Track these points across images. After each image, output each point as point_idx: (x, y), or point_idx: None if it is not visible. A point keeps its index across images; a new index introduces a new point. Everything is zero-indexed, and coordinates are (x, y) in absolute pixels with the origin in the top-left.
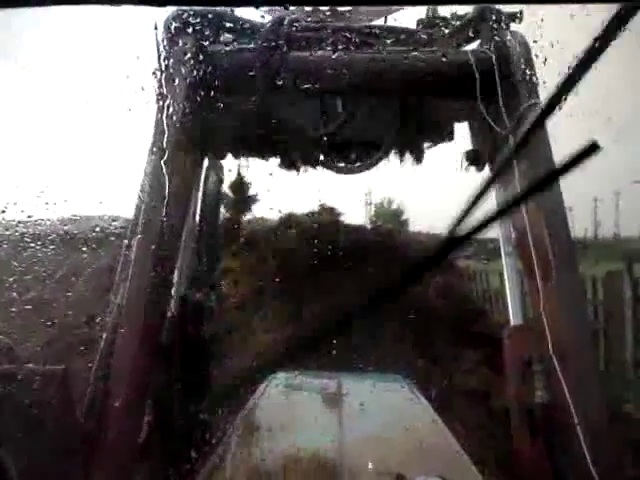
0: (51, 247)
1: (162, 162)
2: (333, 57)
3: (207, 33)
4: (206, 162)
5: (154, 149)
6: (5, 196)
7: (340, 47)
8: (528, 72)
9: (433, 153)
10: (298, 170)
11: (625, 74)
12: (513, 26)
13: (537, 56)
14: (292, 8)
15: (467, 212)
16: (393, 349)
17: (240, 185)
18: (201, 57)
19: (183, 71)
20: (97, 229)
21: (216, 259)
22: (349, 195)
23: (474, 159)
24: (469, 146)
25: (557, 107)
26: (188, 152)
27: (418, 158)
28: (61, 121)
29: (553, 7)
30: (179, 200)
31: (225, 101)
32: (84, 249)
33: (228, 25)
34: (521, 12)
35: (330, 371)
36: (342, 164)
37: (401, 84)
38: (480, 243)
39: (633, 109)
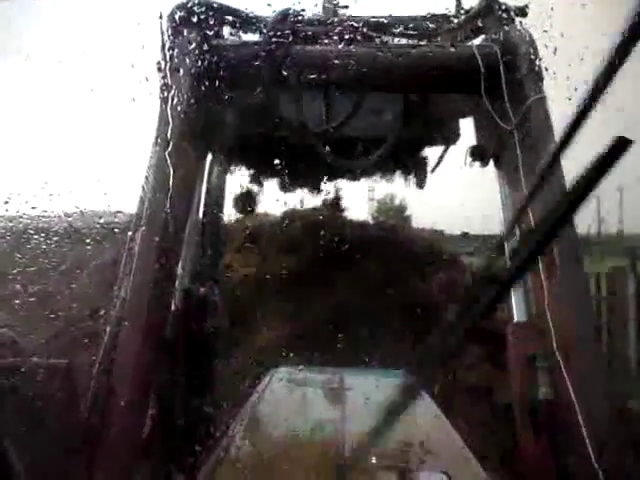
0: (55, 239)
1: (166, 154)
2: (338, 50)
3: (212, 24)
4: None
5: (158, 141)
6: (8, 187)
7: (346, 40)
8: (534, 66)
9: (436, 149)
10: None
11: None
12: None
13: (547, 46)
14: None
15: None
16: (395, 344)
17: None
18: (206, 49)
19: (187, 62)
20: (103, 223)
21: (220, 253)
22: (352, 191)
23: (478, 155)
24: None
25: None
26: (192, 144)
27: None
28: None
29: None
30: (183, 193)
31: (229, 93)
32: (89, 242)
33: (232, 17)
34: (527, 6)
35: (332, 366)
36: (345, 161)
37: (406, 78)
38: (484, 239)
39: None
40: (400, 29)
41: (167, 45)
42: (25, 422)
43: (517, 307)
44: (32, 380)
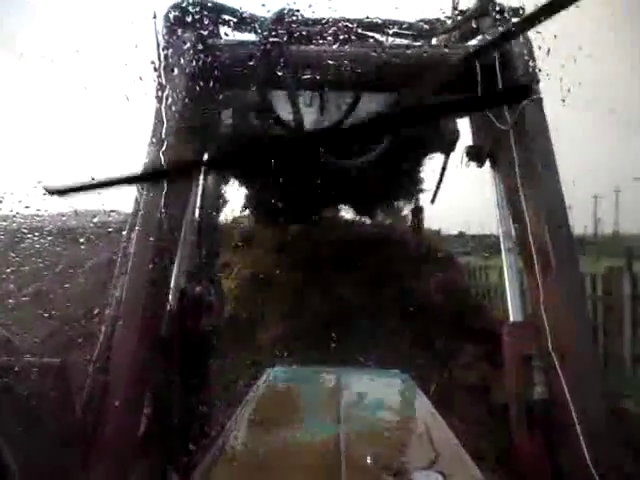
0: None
1: (161, 153)
2: (333, 50)
3: (207, 23)
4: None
5: (153, 140)
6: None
7: (341, 39)
8: (529, 67)
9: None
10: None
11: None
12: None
13: (540, 48)
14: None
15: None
16: (392, 344)
17: None
18: (200, 48)
19: (182, 62)
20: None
21: (215, 253)
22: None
23: (475, 155)
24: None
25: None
26: (187, 144)
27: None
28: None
29: None
30: (178, 192)
31: (225, 93)
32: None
33: (227, 17)
34: (522, 7)
35: (329, 366)
36: (340, 160)
37: (402, 78)
38: (480, 239)
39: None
40: (395, 29)
41: (162, 44)
42: (19, 421)
43: (513, 307)
44: (26, 379)
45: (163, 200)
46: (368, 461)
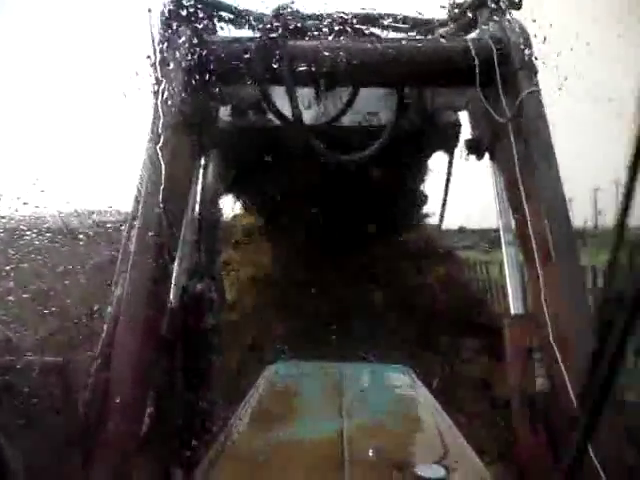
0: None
1: (158, 149)
2: (330, 43)
3: (202, 18)
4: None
5: (152, 137)
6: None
7: (337, 32)
8: (527, 58)
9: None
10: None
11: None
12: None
13: (536, 36)
14: None
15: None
16: (394, 339)
17: None
18: (197, 43)
19: (179, 57)
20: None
21: (217, 250)
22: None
23: (474, 148)
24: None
25: None
26: (186, 139)
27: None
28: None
29: None
30: (178, 188)
31: (222, 88)
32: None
33: (223, 12)
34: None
35: (331, 361)
36: (340, 155)
37: (400, 72)
38: (481, 233)
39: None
40: (392, 22)
41: (158, 39)
42: (21, 420)
43: (514, 300)
44: (27, 378)
45: (162, 197)
46: (371, 455)
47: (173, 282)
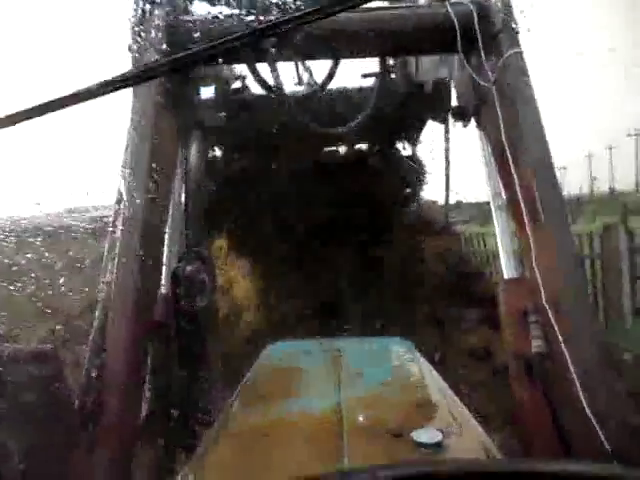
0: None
1: (141, 133)
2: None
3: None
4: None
5: (133, 120)
6: None
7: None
8: (508, 21)
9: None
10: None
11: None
12: None
13: None
14: None
15: None
16: (392, 311)
17: None
18: (175, 27)
19: (157, 40)
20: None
21: (205, 231)
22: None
23: (459, 115)
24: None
25: None
26: (168, 122)
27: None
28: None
29: None
30: (163, 170)
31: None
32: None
33: None
34: None
35: (329, 336)
36: (326, 128)
37: (381, 40)
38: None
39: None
40: None
41: (134, 23)
42: (10, 410)
43: (506, 264)
44: (16, 367)
45: (147, 179)
46: (370, 424)
47: (163, 267)
